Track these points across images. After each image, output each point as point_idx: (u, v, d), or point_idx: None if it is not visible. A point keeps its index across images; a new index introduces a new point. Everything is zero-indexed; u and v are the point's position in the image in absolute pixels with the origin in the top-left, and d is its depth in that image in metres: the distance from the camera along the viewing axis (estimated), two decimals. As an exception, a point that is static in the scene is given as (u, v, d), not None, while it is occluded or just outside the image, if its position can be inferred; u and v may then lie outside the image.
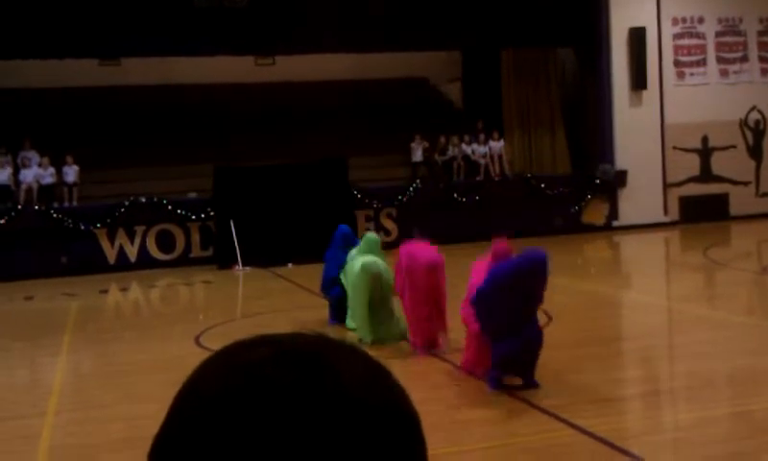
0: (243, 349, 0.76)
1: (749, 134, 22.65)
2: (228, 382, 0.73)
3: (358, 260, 9.28)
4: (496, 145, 21.24)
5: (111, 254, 18.37)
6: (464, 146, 21.00)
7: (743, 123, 22.58)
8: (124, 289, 15.94)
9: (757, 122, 22.69)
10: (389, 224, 19.90)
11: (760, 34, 22.69)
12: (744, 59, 22.56)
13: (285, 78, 22.87)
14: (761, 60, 22.70)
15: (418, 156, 20.82)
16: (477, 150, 21.09)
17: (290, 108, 22.13)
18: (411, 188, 19.99)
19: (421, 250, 8.77)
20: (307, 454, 0.69)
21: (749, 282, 12.80)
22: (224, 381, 0.73)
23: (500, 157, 21.25)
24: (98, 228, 18.20)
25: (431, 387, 7.37)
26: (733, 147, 22.42)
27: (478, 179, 20.81)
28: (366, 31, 20.00)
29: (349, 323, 9.97)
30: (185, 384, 0.76)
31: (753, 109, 22.59)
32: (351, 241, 10.39)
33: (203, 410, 0.72)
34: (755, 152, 22.71)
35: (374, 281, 9.07)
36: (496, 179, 20.88)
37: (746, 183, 22.57)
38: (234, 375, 0.73)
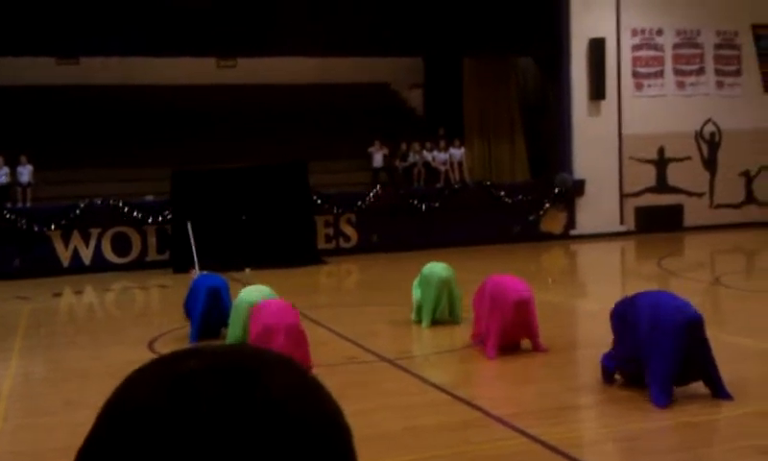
0: (174, 360, 0.75)
1: (704, 146, 23.02)
2: (154, 394, 0.72)
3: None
4: (457, 152, 21.33)
5: (66, 257, 18.09)
6: (425, 153, 21.06)
7: (698, 135, 22.93)
8: (78, 292, 15.69)
9: (712, 134, 23.05)
10: (348, 229, 19.88)
11: (717, 47, 23.07)
12: (701, 71, 22.93)
13: (247, 80, 22.76)
14: (717, 72, 23.08)
15: (377, 161, 20.83)
16: (438, 157, 21.16)
17: (251, 110, 22.02)
18: (371, 194, 19.97)
19: (510, 283, 8.71)
20: None
21: (701, 292, 12.97)
22: (150, 393, 0.72)
23: (460, 164, 21.35)
24: (52, 229, 17.91)
25: (383, 395, 7.35)
26: (689, 159, 22.76)
27: (438, 186, 20.87)
28: (329, 35, 19.97)
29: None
30: (113, 394, 0.75)
31: (708, 121, 22.96)
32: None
33: (127, 421, 0.71)
34: (709, 164, 23.07)
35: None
36: (456, 186, 20.96)
37: (700, 195, 22.92)
38: (161, 387, 0.72)
